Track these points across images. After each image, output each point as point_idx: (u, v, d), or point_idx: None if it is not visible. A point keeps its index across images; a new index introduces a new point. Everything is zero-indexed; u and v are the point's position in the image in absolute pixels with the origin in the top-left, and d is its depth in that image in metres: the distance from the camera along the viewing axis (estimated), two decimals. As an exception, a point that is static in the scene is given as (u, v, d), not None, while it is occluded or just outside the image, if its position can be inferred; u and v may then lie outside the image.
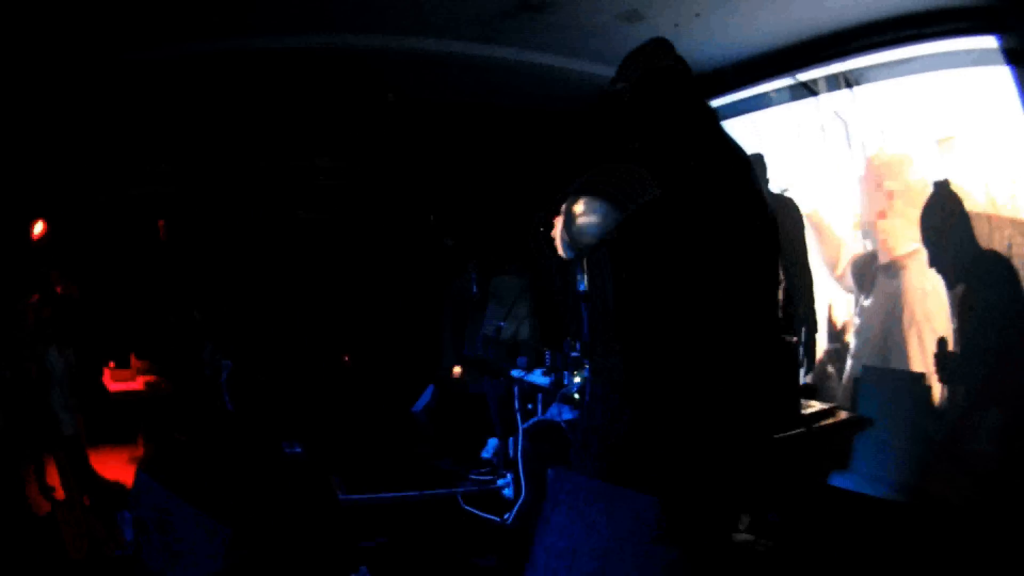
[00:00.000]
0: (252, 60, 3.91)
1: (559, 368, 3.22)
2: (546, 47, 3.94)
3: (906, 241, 3.53)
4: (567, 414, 3.14)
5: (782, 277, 3.28)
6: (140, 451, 4.62)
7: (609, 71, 4.43)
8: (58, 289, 4.06)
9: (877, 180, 3.66)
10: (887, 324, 3.60)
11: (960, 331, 3.29)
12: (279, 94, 4.59)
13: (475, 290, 4.62)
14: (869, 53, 3.58)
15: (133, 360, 4.95)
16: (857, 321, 3.77)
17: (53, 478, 3.84)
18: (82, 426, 4.06)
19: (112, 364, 4.88)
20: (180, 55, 3.72)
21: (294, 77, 4.30)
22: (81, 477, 3.92)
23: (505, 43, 3.86)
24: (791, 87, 4.06)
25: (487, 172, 5.30)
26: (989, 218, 3.19)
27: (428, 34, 3.70)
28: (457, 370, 4.81)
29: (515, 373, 3.65)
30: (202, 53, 3.73)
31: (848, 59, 3.68)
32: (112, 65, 3.79)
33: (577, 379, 2.85)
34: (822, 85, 3.89)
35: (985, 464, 3.17)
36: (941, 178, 3.35)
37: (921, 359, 3.43)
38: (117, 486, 4.09)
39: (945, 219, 3.34)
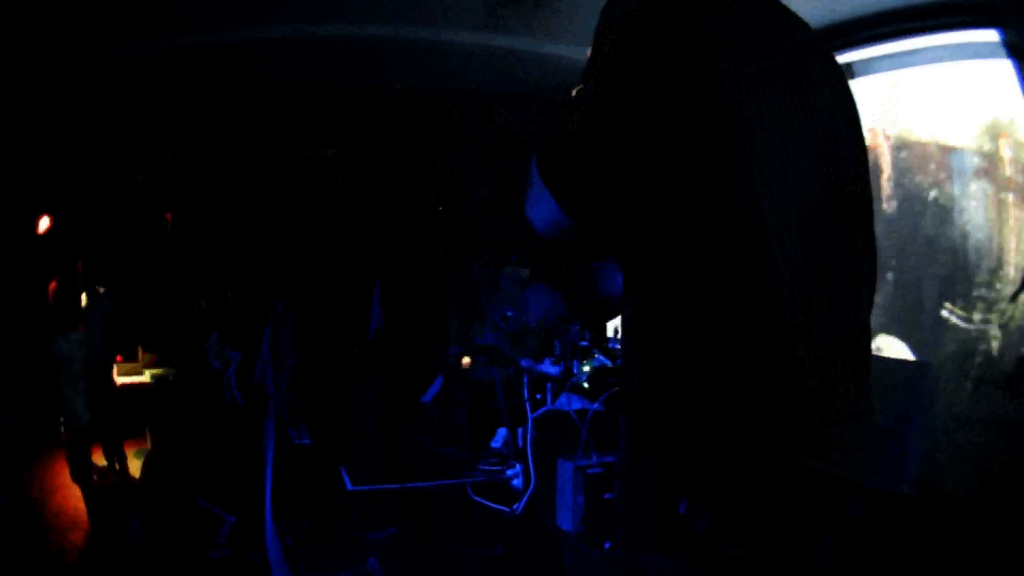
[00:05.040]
0: (257, 50, 3.90)
1: (568, 357, 3.21)
2: (553, 35, 3.91)
3: (908, 230, 3.51)
4: (576, 403, 3.13)
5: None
6: (147, 445, 4.62)
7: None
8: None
9: (881, 170, 3.64)
10: (891, 313, 3.58)
11: (965, 320, 3.28)
12: (284, 84, 4.58)
13: (481, 279, 4.60)
14: (872, 45, 3.56)
15: (140, 354, 4.95)
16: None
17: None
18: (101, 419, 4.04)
19: (120, 358, 4.89)
20: (185, 46, 3.71)
21: (298, 67, 4.29)
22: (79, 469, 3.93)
23: (511, 31, 3.84)
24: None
25: (493, 160, 5.29)
26: (991, 211, 3.19)
27: (432, 22, 3.68)
28: (466, 360, 4.79)
29: (524, 363, 3.64)
30: (207, 44, 3.71)
31: (851, 51, 3.65)
32: (115, 57, 3.78)
33: (587, 368, 2.84)
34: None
35: (991, 457, 3.16)
36: (947, 170, 3.34)
37: (926, 349, 3.42)
38: (123, 480, 4.10)
39: (946, 210, 3.33)
